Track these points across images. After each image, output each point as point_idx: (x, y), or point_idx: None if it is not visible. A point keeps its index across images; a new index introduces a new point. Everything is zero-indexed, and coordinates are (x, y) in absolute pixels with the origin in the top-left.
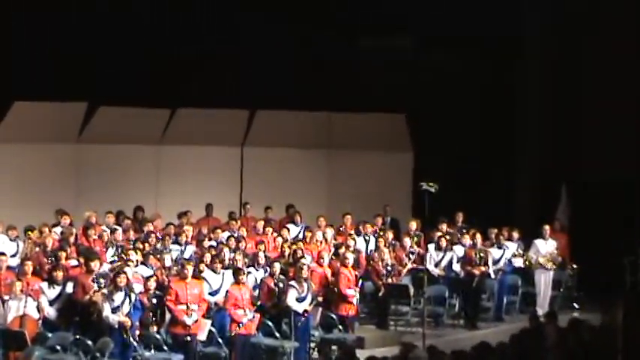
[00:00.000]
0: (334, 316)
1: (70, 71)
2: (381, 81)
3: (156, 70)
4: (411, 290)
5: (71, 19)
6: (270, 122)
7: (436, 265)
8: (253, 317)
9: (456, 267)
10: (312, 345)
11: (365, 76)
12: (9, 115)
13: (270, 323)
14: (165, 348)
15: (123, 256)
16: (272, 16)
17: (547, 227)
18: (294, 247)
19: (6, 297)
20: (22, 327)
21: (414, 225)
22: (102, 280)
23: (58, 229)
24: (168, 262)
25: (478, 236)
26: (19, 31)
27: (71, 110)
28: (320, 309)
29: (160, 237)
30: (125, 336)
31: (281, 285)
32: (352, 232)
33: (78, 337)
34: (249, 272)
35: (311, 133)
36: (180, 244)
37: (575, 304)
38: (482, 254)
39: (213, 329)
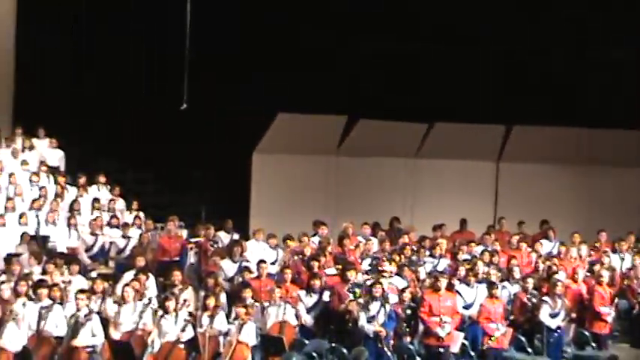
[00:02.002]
0: (587, 333)
1: (331, 85)
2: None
3: (414, 84)
4: None
5: (329, 38)
6: (525, 138)
7: None
8: (505, 331)
9: None
10: None
11: (616, 92)
12: (273, 126)
13: (522, 338)
14: (418, 359)
15: (378, 267)
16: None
17: None
18: (548, 262)
19: (266, 303)
20: (280, 333)
21: None
22: (357, 290)
23: (316, 239)
24: (422, 275)
25: None
26: (281, 48)
27: (331, 123)
28: (573, 325)
29: (415, 249)
30: (380, 345)
31: (534, 300)
32: (607, 249)
33: (334, 344)
34: (503, 286)
35: (566, 149)
36: (434, 257)
37: None
38: None
39: (465, 342)
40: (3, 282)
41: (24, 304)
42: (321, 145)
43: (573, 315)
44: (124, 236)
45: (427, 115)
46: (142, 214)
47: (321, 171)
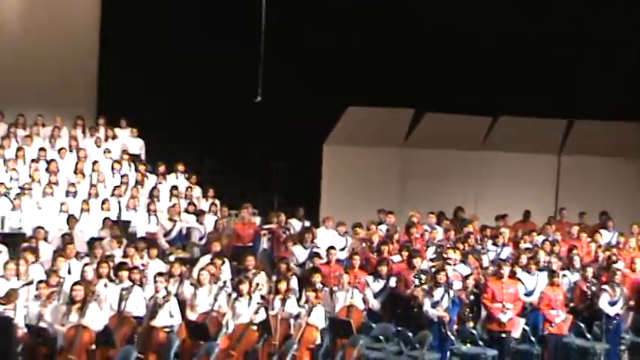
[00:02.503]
0: None
1: (399, 79)
2: None
3: (477, 79)
4: None
5: (400, 35)
6: (586, 132)
7: None
8: (565, 318)
9: None
10: (623, 347)
11: None
12: (343, 118)
13: (582, 324)
14: (480, 343)
15: (442, 254)
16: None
17: None
18: (607, 252)
19: (334, 288)
20: (348, 316)
21: None
22: (423, 277)
23: (384, 227)
24: (485, 262)
25: None
26: (351, 40)
27: (399, 116)
28: (631, 313)
29: (479, 238)
30: (443, 330)
31: (594, 288)
32: None
33: (399, 328)
34: (563, 275)
35: (625, 142)
36: (497, 246)
37: None
38: None
39: (526, 328)
40: (86, 264)
41: (105, 285)
42: (388, 138)
43: (631, 303)
44: (200, 222)
45: (492, 109)
46: (217, 202)
47: (388, 162)
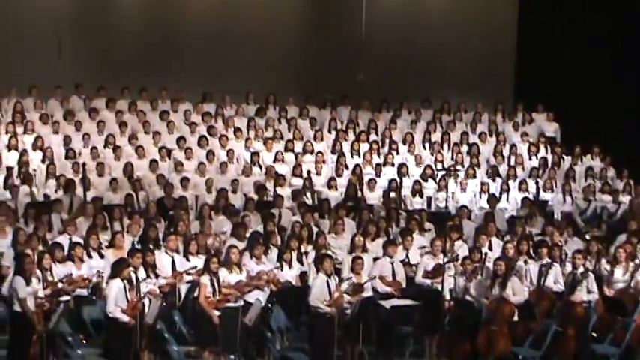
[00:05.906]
0: None
1: None
2: None
3: None
4: None
5: None
6: None
7: None
8: None
9: None
10: None
11: None
12: None
13: None
14: None
15: None
16: None
17: None
18: None
19: None
20: None
21: None
22: None
23: None
24: None
25: None
26: None
27: None
28: None
29: None
30: None
31: None
32: None
33: None
34: None
35: None
36: None
37: None
38: None
39: None
40: (507, 241)
41: (526, 262)
42: None
43: None
44: (614, 202)
45: None
46: (631, 182)
47: None
